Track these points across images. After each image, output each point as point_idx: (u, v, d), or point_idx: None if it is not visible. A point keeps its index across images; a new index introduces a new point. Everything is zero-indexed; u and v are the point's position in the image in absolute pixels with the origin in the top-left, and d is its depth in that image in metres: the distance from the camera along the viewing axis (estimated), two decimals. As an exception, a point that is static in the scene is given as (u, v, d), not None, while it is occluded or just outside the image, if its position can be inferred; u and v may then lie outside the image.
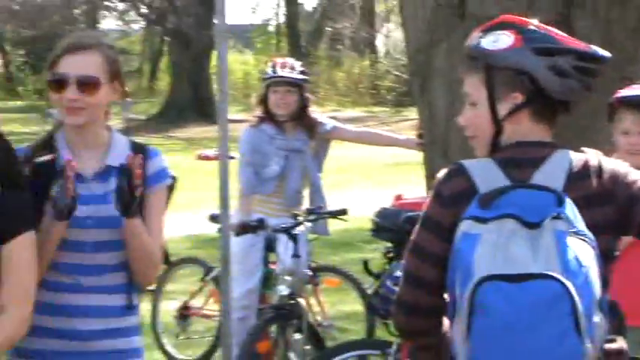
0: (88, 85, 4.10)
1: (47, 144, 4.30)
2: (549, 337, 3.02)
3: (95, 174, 4.22)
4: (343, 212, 8.21)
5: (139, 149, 4.32)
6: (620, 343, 3.33)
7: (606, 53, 3.47)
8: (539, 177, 3.28)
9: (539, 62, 3.33)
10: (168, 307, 9.69)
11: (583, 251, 3.08)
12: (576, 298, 2.99)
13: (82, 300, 4.20)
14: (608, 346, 3.24)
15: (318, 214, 8.15)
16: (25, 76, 49.47)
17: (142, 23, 50.89)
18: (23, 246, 3.86)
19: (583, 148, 3.44)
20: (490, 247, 3.09)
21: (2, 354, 5.36)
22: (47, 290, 4.19)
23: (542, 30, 3.42)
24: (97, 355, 4.24)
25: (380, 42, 55.72)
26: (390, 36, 56.41)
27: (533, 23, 3.45)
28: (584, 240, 3.11)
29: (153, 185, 4.28)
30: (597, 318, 3.08)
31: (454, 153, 6.53)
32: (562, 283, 2.99)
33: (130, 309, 4.31)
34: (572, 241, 3.07)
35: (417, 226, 3.43)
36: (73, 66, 4.13)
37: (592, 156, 3.37)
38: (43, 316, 4.19)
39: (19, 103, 44.62)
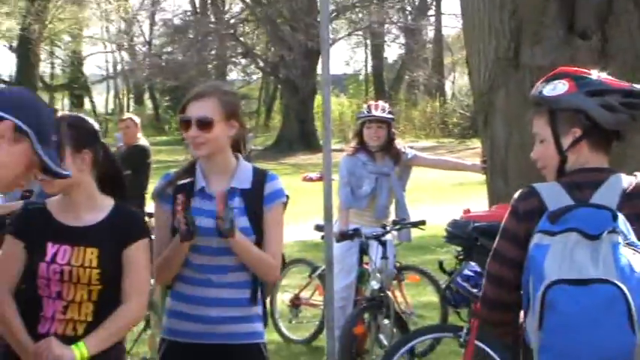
0: (204, 124, 4.16)
1: (189, 170, 4.38)
2: (607, 332, 2.98)
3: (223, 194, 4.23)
4: (422, 223, 8.17)
5: (260, 174, 4.38)
6: None
7: None
8: (597, 197, 3.25)
9: (592, 102, 3.31)
10: (283, 298, 9.69)
11: (635, 259, 3.05)
12: (630, 299, 2.96)
13: (211, 293, 4.26)
14: None
15: (403, 224, 8.11)
16: (170, 117, 50.10)
17: (260, 74, 51.32)
18: (140, 250, 3.94)
19: (635, 173, 3.40)
20: (558, 256, 3.07)
21: (157, 334, 5.39)
22: (184, 283, 4.32)
23: (594, 77, 3.39)
24: (225, 336, 4.28)
25: (448, 87, 55.64)
26: (456, 82, 56.34)
27: (590, 73, 3.42)
28: (635, 250, 3.08)
29: (269, 203, 4.31)
30: None
31: (512, 175, 6.46)
32: (618, 287, 2.97)
33: (254, 301, 4.33)
34: (625, 251, 3.05)
35: (498, 237, 3.43)
36: (195, 110, 4.21)
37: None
38: (181, 304, 4.33)
39: (165, 137, 45.17)
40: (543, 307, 3.06)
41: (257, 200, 4.29)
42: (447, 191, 21.02)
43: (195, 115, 4.19)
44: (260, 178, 4.34)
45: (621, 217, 3.13)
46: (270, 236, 4.29)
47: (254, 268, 4.26)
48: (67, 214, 3.85)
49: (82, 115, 4.28)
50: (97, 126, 4.16)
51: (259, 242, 4.27)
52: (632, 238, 3.10)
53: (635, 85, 3.42)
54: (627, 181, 3.32)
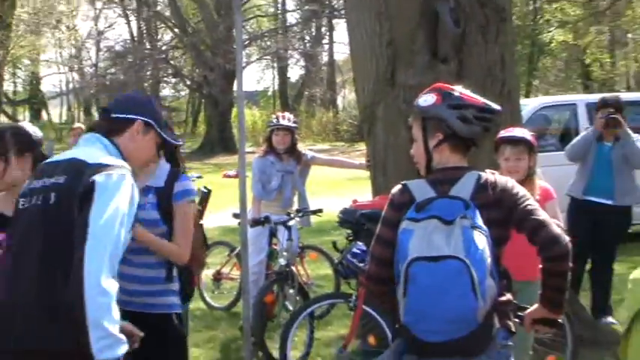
0: None
1: None
2: (455, 297, 3.04)
3: (140, 190, 4.18)
4: (320, 210, 8.16)
5: (173, 174, 4.31)
6: (508, 296, 3.34)
7: (498, 107, 3.47)
8: (454, 190, 3.29)
9: (451, 113, 3.33)
10: (207, 273, 9.60)
11: (479, 239, 3.09)
12: (473, 270, 3.01)
13: (130, 270, 4.17)
14: (499, 299, 3.24)
15: (304, 212, 8.11)
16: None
17: (187, 91, 51.00)
18: None
19: (486, 170, 3.44)
20: (419, 238, 3.11)
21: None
22: None
23: (457, 93, 3.41)
24: (144, 306, 4.22)
25: (339, 101, 55.86)
26: (346, 97, 56.53)
27: (455, 89, 3.44)
28: (480, 232, 3.12)
29: (177, 200, 4.25)
30: (488, 282, 3.07)
31: (390, 172, 6.52)
32: (464, 261, 3.01)
33: (169, 279, 4.28)
34: (472, 233, 3.09)
35: (379, 224, 3.44)
36: None
37: (490, 175, 3.37)
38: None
39: (109, 143, 44.29)
40: (407, 280, 3.10)
41: (167, 197, 4.23)
42: (339, 185, 21.06)
43: None
44: (172, 178, 4.28)
45: (472, 206, 3.18)
46: (177, 228, 4.23)
47: (161, 255, 4.23)
48: (10, 208, 3.77)
49: (23, 124, 4.19)
50: (38, 134, 4.07)
51: (171, 232, 4.22)
52: (479, 222, 3.13)
53: (488, 103, 3.46)
54: (480, 176, 3.35)
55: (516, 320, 3.43)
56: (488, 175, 3.37)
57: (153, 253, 4.22)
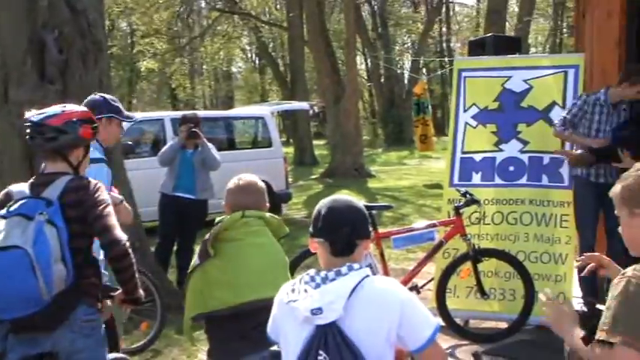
0: None
1: None
2: (19, 280, 2.89)
3: None
4: None
5: None
6: (93, 280, 3.23)
7: (40, 120, 3.19)
8: (46, 192, 3.10)
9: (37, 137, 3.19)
10: None
11: (50, 232, 2.97)
12: (33, 257, 2.89)
13: None
14: (85, 281, 3.13)
15: None
16: None
17: None
18: None
19: (81, 176, 3.26)
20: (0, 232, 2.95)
21: None
22: None
23: (39, 114, 3.20)
24: None
25: None
26: None
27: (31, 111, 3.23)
28: (53, 225, 2.99)
29: None
30: (57, 268, 2.95)
31: (6, 175, 6.01)
32: (26, 250, 2.89)
33: None
34: (45, 227, 2.97)
35: None
36: None
37: (80, 180, 3.23)
38: None
39: None
40: None
41: None
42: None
43: None
44: None
45: (55, 205, 3.04)
46: None
47: None
48: None
49: None
50: None
51: None
52: (57, 218, 3.01)
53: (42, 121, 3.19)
54: (70, 180, 3.16)
55: (110, 299, 3.35)
56: (79, 179, 3.20)
57: None
